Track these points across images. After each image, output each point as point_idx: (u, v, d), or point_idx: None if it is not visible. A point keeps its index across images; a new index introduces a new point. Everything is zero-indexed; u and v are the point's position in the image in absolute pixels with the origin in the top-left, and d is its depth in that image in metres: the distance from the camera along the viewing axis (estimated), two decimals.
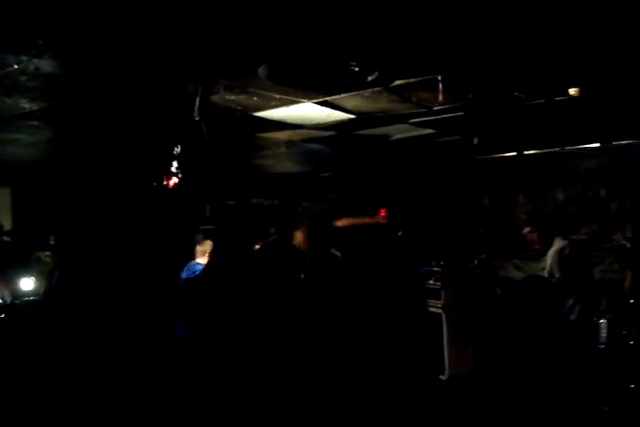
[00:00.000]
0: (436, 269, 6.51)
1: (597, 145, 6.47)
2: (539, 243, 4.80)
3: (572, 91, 4.53)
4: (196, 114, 4.48)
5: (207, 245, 5.44)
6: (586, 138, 6.39)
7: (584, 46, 3.80)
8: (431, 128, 5.74)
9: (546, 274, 4.67)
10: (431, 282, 6.52)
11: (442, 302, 6.29)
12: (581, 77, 4.38)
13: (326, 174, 7.77)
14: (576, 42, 3.73)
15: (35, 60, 3.65)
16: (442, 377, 6.00)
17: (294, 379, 3.65)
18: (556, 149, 6.66)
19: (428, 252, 6.70)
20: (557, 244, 4.64)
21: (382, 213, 7.87)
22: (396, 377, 4.24)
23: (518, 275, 6.98)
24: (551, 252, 4.63)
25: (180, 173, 5.21)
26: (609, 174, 6.39)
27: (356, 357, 4.20)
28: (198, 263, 5.53)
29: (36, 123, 5.09)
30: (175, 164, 4.88)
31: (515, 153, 6.89)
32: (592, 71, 4.24)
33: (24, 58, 3.62)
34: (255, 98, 4.61)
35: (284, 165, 7.17)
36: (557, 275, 4.52)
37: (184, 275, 5.62)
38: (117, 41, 3.47)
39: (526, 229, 4.83)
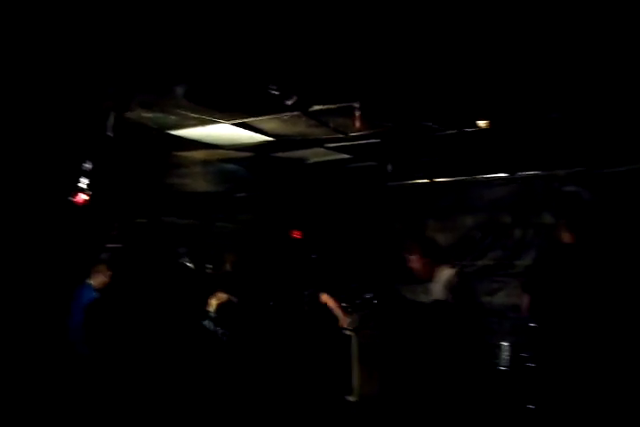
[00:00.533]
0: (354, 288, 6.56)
1: (504, 175, 6.77)
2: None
3: (482, 123, 4.73)
4: (109, 130, 4.37)
5: (101, 266, 5.59)
6: (494, 168, 6.67)
7: (493, 84, 4.00)
8: (347, 153, 5.84)
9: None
10: (343, 304, 6.56)
11: (352, 324, 6.32)
12: (491, 110, 4.59)
13: (242, 195, 7.72)
14: (485, 80, 3.92)
15: None
16: (350, 398, 6.01)
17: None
18: (465, 178, 6.92)
19: (343, 274, 6.74)
20: (446, 272, 4.66)
21: (296, 234, 7.91)
22: (302, 397, 4.25)
23: (426, 298, 7.12)
24: (441, 280, 4.64)
25: (90, 189, 5.06)
26: (514, 203, 6.66)
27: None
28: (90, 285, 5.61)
29: None
30: (85, 180, 4.72)
31: (426, 180, 7.10)
32: (501, 105, 4.45)
33: None
34: (172, 116, 4.55)
35: (200, 184, 7.07)
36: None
37: (85, 297, 5.50)
38: (29, 53, 3.35)
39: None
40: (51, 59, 3.46)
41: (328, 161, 6.16)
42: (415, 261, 4.82)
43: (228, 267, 6.62)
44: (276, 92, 4.02)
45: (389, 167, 6.17)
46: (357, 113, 4.36)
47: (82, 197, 5.08)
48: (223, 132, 5.00)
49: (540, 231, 6.36)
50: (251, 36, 3.28)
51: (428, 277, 4.79)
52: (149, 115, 4.53)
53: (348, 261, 7.13)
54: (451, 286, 4.57)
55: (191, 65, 3.66)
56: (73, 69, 3.66)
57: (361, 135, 5.07)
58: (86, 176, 4.86)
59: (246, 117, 4.63)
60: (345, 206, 7.46)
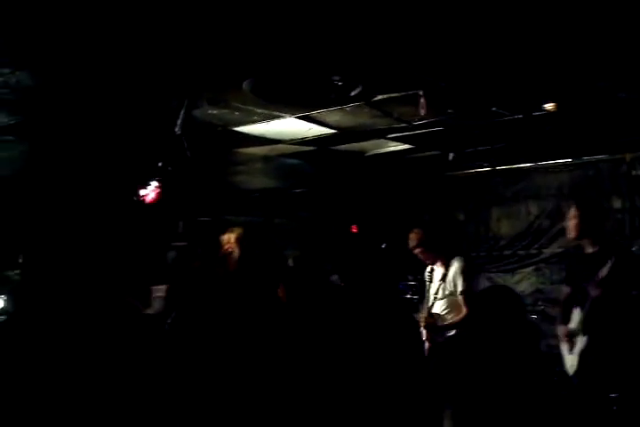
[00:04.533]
0: (412, 283, 6.54)
1: (568, 160, 6.64)
2: (432, 259, 4.86)
3: (549, 106, 4.64)
4: (178, 128, 4.45)
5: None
6: (557, 153, 6.54)
7: (559, 65, 3.92)
8: (409, 143, 5.80)
9: (447, 290, 4.71)
10: (408, 296, 6.54)
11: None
12: (557, 92, 4.49)
13: (301, 190, 7.77)
14: (550, 61, 3.85)
15: (17, 73, 3.60)
16: None
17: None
18: (529, 165, 6.81)
19: (404, 266, 6.71)
20: (457, 261, 4.70)
21: (353, 228, 7.91)
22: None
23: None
24: (453, 269, 4.69)
25: (160, 188, 5.18)
26: (581, 188, 6.53)
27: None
28: None
29: (11, 137, 4.99)
30: (156, 179, 4.83)
31: (488, 168, 7.01)
32: (567, 86, 4.36)
33: (6, 70, 3.57)
34: (237, 112, 4.61)
35: (260, 180, 7.15)
36: (460, 288, 4.61)
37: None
38: (100, 56, 3.44)
39: (417, 250, 4.83)
40: (120, 63, 3.55)
41: (388, 153, 6.14)
42: (422, 254, 4.85)
43: (290, 262, 6.66)
44: (341, 83, 4.03)
45: (451, 156, 6.10)
46: (422, 101, 4.33)
47: (152, 195, 5.20)
48: (286, 126, 5.03)
49: (610, 216, 6.20)
50: (313, 28, 3.29)
51: (434, 263, 4.87)
52: (215, 112, 4.59)
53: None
54: (464, 275, 4.63)
55: (256, 60, 3.69)
56: (142, 71, 3.75)
57: (423, 124, 5.04)
58: (156, 174, 4.98)
59: (310, 110, 4.65)
60: (406, 197, 7.43)
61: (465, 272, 4.68)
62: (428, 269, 5.01)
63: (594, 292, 4.13)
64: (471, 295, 4.63)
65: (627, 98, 4.55)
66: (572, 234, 4.36)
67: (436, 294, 4.72)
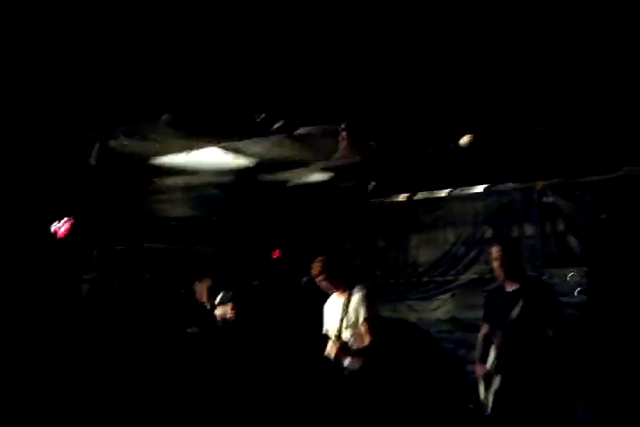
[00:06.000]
0: None
1: (483, 188, 6.84)
2: (333, 287, 4.85)
3: (465, 138, 4.77)
4: (93, 160, 4.31)
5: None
6: (473, 181, 6.74)
7: (477, 100, 4.05)
8: (330, 173, 5.84)
9: (351, 319, 4.75)
10: None
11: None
12: (473, 126, 4.64)
13: (222, 218, 7.67)
14: (469, 97, 3.97)
15: None
16: None
17: None
18: (445, 193, 6.98)
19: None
20: (359, 290, 4.73)
21: (276, 253, 7.86)
22: None
23: (411, 315, 7.12)
24: (355, 298, 4.70)
25: (73, 220, 4.98)
26: (495, 216, 6.72)
27: None
28: None
29: None
30: (69, 212, 4.64)
31: (407, 196, 7.14)
32: (483, 120, 4.51)
33: None
34: (156, 144, 4.51)
35: (180, 209, 7.01)
36: (363, 316, 4.63)
37: None
38: (15, 85, 3.29)
39: (320, 277, 4.81)
40: (36, 92, 3.40)
41: (310, 183, 6.15)
42: (323, 282, 4.83)
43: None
44: (262, 117, 4.01)
45: (371, 185, 6.18)
46: (343, 133, 4.37)
47: (63, 228, 5.00)
48: (206, 157, 4.96)
49: (523, 244, 6.41)
50: (235, 63, 3.27)
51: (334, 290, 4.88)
52: (132, 143, 4.47)
53: None
54: (368, 302, 4.66)
55: (175, 93, 3.63)
56: (56, 101, 3.61)
57: (345, 155, 5.07)
58: (69, 207, 4.79)
59: (231, 142, 4.60)
60: (328, 225, 7.46)
61: (367, 300, 4.70)
62: (330, 299, 5.02)
63: (504, 333, 4.25)
64: (374, 323, 4.66)
65: (542, 130, 4.74)
66: (499, 276, 4.49)
67: (341, 323, 4.72)
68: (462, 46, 3.21)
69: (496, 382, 4.29)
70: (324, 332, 4.93)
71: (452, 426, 5.72)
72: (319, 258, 4.89)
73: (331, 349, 4.69)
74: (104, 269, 7.25)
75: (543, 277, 5.58)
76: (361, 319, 4.64)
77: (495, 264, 4.44)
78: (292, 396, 5.31)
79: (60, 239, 4.95)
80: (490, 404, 4.32)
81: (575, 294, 5.59)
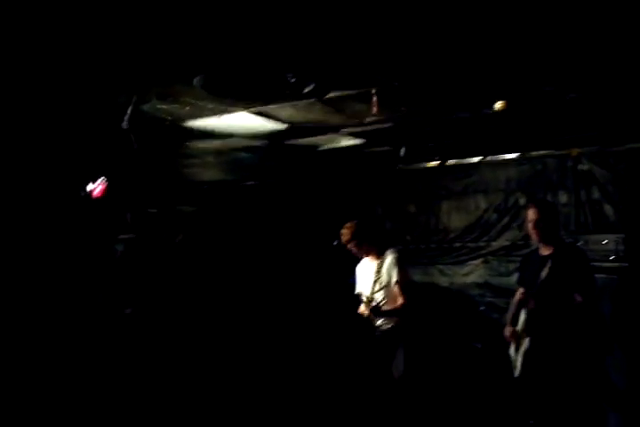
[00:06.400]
0: None
1: (516, 155, 6.75)
2: (364, 252, 5.02)
3: (498, 104, 4.69)
4: (125, 123, 4.35)
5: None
6: (506, 148, 6.65)
7: (510, 68, 3.97)
8: (361, 138, 5.81)
9: (382, 282, 4.81)
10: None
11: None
12: (507, 91, 4.55)
13: (252, 183, 7.71)
14: (502, 64, 3.89)
15: None
16: None
17: None
18: (477, 159, 6.90)
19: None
20: (391, 253, 4.89)
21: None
22: None
23: (442, 280, 7.17)
24: (387, 261, 4.86)
25: (107, 182, 5.06)
26: (528, 183, 6.66)
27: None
28: None
29: None
30: (103, 173, 4.72)
31: (438, 162, 7.08)
32: (517, 85, 4.41)
33: None
34: (187, 107, 4.51)
35: (212, 173, 7.06)
36: (395, 279, 4.75)
37: None
38: (47, 50, 3.32)
39: (351, 244, 4.95)
40: (68, 53, 3.42)
41: (341, 147, 6.13)
42: (354, 248, 5.00)
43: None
44: (294, 80, 3.99)
45: (402, 151, 6.14)
46: (374, 99, 4.33)
47: (98, 189, 5.09)
48: (238, 121, 4.96)
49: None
50: (266, 24, 3.24)
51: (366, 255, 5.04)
52: (164, 106, 4.49)
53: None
54: (399, 265, 4.83)
55: (207, 54, 3.62)
56: (89, 64, 3.64)
57: (376, 121, 5.04)
58: (103, 169, 4.86)
59: (262, 106, 4.59)
60: (359, 191, 7.46)
61: (399, 263, 4.79)
62: (361, 263, 5.09)
63: (534, 295, 4.24)
64: (407, 285, 4.76)
65: (575, 98, 4.64)
66: (533, 238, 4.45)
67: (374, 286, 4.80)
68: (494, 13, 3.14)
69: (525, 343, 4.31)
70: (356, 293, 5.02)
71: (483, 388, 5.78)
72: (348, 224, 4.94)
73: (364, 309, 4.80)
74: (138, 231, 7.41)
75: (578, 244, 5.53)
76: (393, 281, 4.73)
77: (530, 226, 4.41)
78: (325, 354, 5.42)
79: (95, 199, 5.04)
80: (519, 365, 4.35)
81: (610, 259, 5.54)
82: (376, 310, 4.80)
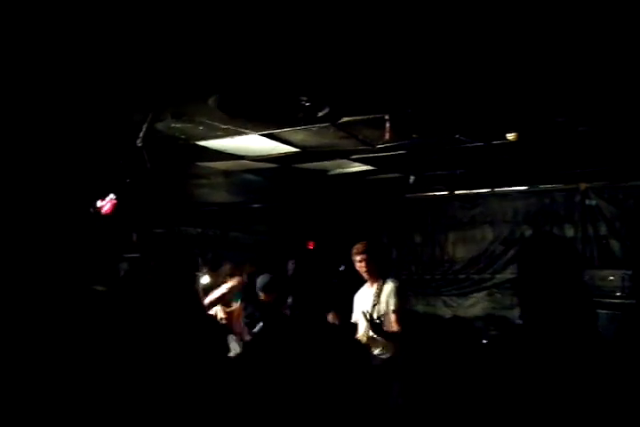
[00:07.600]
0: None
1: (524, 188, 6.77)
2: (370, 272, 4.91)
3: (510, 136, 4.72)
4: (139, 141, 4.38)
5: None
6: (514, 180, 6.66)
7: (523, 97, 4.00)
8: (371, 164, 5.83)
9: (382, 309, 4.79)
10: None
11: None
12: (520, 123, 4.58)
13: (259, 206, 7.73)
14: (515, 93, 3.92)
15: None
16: None
17: None
18: (486, 190, 6.92)
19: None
20: (391, 282, 4.83)
21: (310, 245, 7.89)
22: None
23: (446, 311, 7.12)
24: (387, 288, 4.80)
25: (117, 200, 5.08)
26: (535, 216, 6.66)
27: None
28: None
29: None
30: (113, 191, 4.73)
31: (447, 192, 7.10)
32: (530, 117, 4.44)
33: None
34: (201, 127, 4.55)
35: (219, 194, 7.08)
36: (393, 307, 4.71)
37: None
38: (64, 68, 3.36)
39: (361, 257, 4.88)
40: (87, 70, 3.47)
41: (350, 173, 6.15)
42: (364, 262, 4.89)
43: (244, 277, 6.62)
44: (308, 103, 4.02)
45: (412, 179, 6.15)
46: (387, 125, 4.36)
47: (107, 206, 5.10)
48: (250, 143, 4.99)
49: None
50: (284, 48, 3.28)
51: (371, 279, 4.93)
52: (179, 125, 4.53)
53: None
54: (400, 294, 4.77)
55: (224, 76, 3.66)
56: (107, 82, 3.68)
57: (387, 147, 5.06)
58: (114, 186, 4.88)
59: (275, 128, 4.62)
60: (366, 217, 7.46)
61: (399, 292, 4.78)
62: (360, 291, 5.08)
63: None
64: (404, 315, 4.73)
65: (586, 131, 4.67)
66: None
67: (372, 310, 4.78)
68: (508, 43, 3.18)
69: None
70: (352, 321, 4.98)
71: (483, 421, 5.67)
72: (362, 241, 4.96)
73: (361, 336, 4.76)
74: (143, 250, 7.37)
75: (583, 279, 5.50)
76: (391, 309, 4.71)
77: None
78: (321, 381, 5.30)
79: (104, 216, 5.04)
80: None
81: (616, 295, 5.51)
82: (376, 327, 4.76)
